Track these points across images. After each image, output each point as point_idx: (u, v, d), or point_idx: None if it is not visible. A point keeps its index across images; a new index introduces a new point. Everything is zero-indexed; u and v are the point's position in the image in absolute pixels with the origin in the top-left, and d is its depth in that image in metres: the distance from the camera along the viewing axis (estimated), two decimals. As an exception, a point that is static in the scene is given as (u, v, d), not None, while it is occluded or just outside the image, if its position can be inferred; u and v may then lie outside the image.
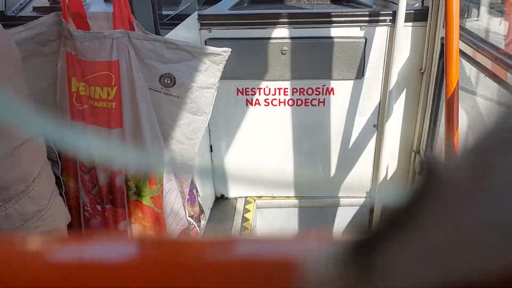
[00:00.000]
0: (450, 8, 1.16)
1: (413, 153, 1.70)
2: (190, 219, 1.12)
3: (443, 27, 1.27)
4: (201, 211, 1.19)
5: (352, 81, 1.61)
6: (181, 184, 1.01)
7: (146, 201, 0.97)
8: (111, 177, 0.96)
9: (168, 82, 0.87)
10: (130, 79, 0.85)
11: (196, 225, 1.13)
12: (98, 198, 0.99)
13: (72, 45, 0.84)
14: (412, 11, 1.52)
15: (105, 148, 0.96)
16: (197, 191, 1.14)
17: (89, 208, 1.02)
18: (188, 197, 1.08)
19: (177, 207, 1.02)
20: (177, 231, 1.07)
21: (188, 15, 1.42)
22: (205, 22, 1.52)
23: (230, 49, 0.89)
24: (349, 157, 1.76)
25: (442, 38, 1.42)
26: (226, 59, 0.88)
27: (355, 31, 1.54)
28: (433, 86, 1.53)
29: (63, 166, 0.99)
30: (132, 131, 0.89)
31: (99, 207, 1.01)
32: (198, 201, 1.16)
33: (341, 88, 1.63)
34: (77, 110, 0.89)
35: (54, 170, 0.78)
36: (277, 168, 1.79)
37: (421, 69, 1.57)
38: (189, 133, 0.92)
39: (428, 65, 1.54)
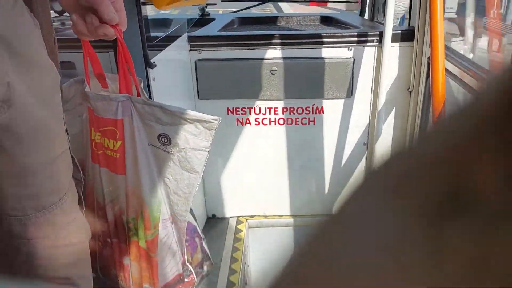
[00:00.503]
0: (435, 28, 1.18)
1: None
2: (188, 265, 1.17)
3: (429, 46, 1.30)
4: (206, 258, 1.25)
5: (341, 100, 1.63)
6: (178, 231, 1.08)
7: (142, 243, 1.06)
8: (116, 216, 1.07)
9: (165, 141, 0.97)
10: (132, 135, 0.97)
11: (193, 272, 1.18)
12: (108, 232, 1.10)
13: (90, 102, 1.00)
14: (399, 32, 1.55)
15: (112, 189, 1.03)
16: (201, 239, 1.20)
17: (102, 240, 1.12)
18: (188, 244, 1.14)
19: (171, 253, 1.09)
20: (170, 276, 1.12)
21: (178, 37, 1.44)
22: (195, 43, 1.54)
23: (221, 118, 0.98)
24: (340, 175, 1.76)
25: (428, 57, 1.44)
26: (216, 126, 0.97)
27: (343, 51, 1.56)
28: (421, 104, 1.54)
29: (86, 199, 1.10)
30: (133, 178, 1.00)
31: (109, 240, 1.11)
32: (203, 249, 1.21)
33: (331, 107, 1.64)
34: (96, 154, 1.04)
35: (78, 189, 0.83)
36: (268, 187, 1.78)
37: (408, 88, 1.59)
38: (183, 187, 1.02)
39: (415, 84, 1.56)
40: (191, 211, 1.12)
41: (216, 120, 0.96)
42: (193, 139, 0.97)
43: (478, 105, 0.11)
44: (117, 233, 1.08)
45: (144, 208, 1.02)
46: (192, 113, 0.95)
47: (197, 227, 1.19)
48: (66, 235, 0.77)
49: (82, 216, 0.83)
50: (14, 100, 0.63)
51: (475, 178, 0.10)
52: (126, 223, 1.05)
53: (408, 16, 1.68)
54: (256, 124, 1.67)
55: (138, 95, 0.98)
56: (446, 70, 1.24)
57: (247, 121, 1.67)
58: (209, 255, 1.25)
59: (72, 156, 0.80)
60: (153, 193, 1.01)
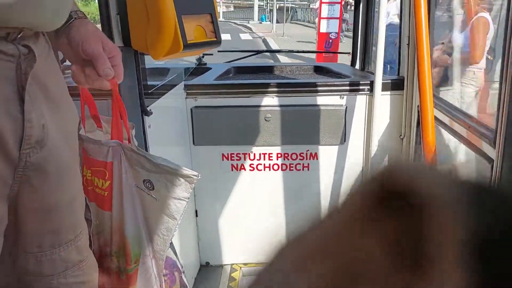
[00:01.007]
0: (423, 77, 1.23)
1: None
2: None
3: (418, 95, 1.34)
4: None
5: (335, 146, 1.65)
6: (157, 267, 1.14)
7: (123, 276, 1.10)
8: (101, 247, 1.11)
9: (149, 186, 1.03)
10: (120, 177, 1.04)
11: None
12: (100, 260, 1.12)
13: (83, 143, 1.06)
14: (389, 81, 1.60)
15: (99, 223, 1.06)
16: (180, 273, 1.25)
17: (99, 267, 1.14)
18: (167, 277, 1.19)
19: (150, 286, 1.14)
20: None
21: (174, 85, 1.48)
22: (191, 91, 1.58)
23: (200, 174, 1.04)
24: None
25: (418, 106, 1.48)
26: (196, 181, 1.04)
27: (336, 99, 1.61)
28: (413, 151, 1.57)
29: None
30: (118, 216, 1.06)
31: (103, 268, 1.13)
32: (182, 281, 1.25)
33: (325, 153, 1.66)
34: (86, 189, 1.07)
35: (88, 229, 0.86)
36: (263, 234, 1.76)
37: (400, 135, 1.62)
38: (163, 230, 1.07)
39: (407, 131, 1.60)
40: (171, 245, 1.16)
41: (195, 176, 1.03)
42: (174, 189, 1.03)
43: (354, 199, 0.15)
44: (101, 263, 1.12)
45: (126, 244, 1.07)
46: (173, 166, 1.02)
47: (177, 261, 1.23)
48: (78, 273, 0.79)
49: (93, 255, 0.86)
50: (46, 141, 0.67)
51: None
52: (110, 255, 1.10)
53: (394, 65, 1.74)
54: (250, 170, 1.68)
55: (129, 141, 1.04)
56: (436, 118, 1.27)
57: (242, 167, 1.68)
58: (187, 285, 1.28)
59: (84, 196, 0.83)
60: (136, 231, 1.06)
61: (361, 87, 1.61)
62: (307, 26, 19.76)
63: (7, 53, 0.62)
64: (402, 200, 0.13)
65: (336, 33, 5.90)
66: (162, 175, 1.02)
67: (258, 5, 29.72)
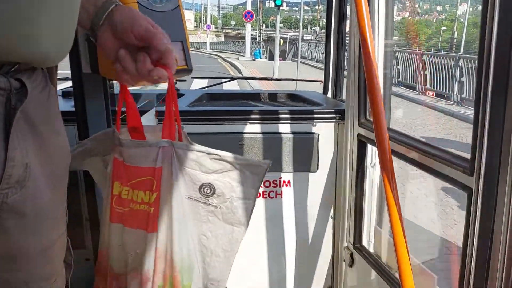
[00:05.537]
0: (377, 111, 1.17)
1: (371, 245, 1.69)
2: None
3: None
4: None
5: (307, 174, 1.66)
6: None
7: None
8: (140, 283, 0.91)
9: (208, 191, 0.88)
10: (169, 186, 0.87)
11: None
12: None
13: (120, 152, 0.89)
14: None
15: (139, 253, 0.89)
16: None
17: None
18: None
19: None
20: None
21: (146, 111, 1.46)
22: (163, 118, 1.56)
23: (271, 161, 0.92)
24: (309, 249, 1.73)
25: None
26: (265, 170, 0.90)
27: (308, 127, 1.62)
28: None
29: (98, 265, 0.98)
30: (165, 236, 0.88)
31: None
32: None
33: (298, 180, 1.66)
34: (116, 213, 0.91)
35: (66, 274, 0.76)
36: (233, 264, 1.72)
37: (371, 163, 1.64)
38: (225, 244, 0.92)
39: (377, 159, 1.62)
40: None
41: (265, 164, 0.89)
42: (239, 188, 0.88)
43: None
44: None
45: (174, 273, 0.89)
46: (240, 157, 0.88)
47: None
48: None
49: None
50: (27, 182, 0.60)
51: None
52: None
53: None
54: (223, 198, 1.66)
55: (181, 140, 0.91)
56: (393, 151, 1.20)
57: (214, 195, 1.65)
58: None
59: (67, 239, 0.74)
60: (186, 255, 0.89)
61: (332, 115, 1.63)
62: (314, 66, 15.34)
63: None
64: None
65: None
66: (225, 173, 0.88)
67: (251, 36, 24.30)
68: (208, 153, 0.87)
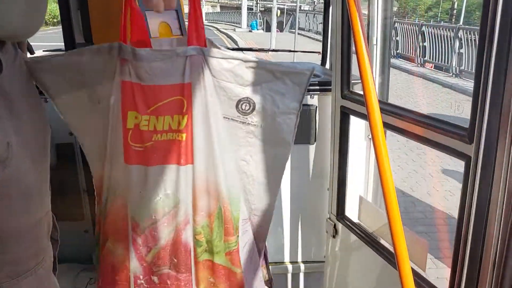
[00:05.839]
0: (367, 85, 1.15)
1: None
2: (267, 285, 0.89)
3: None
4: (271, 279, 0.94)
5: (305, 146, 1.66)
6: (258, 236, 0.80)
7: (221, 259, 0.77)
8: (176, 232, 0.76)
9: (247, 108, 0.75)
10: (203, 104, 0.72)
11: None
12: (155, 265, 0.79)
13: (134, 70, 0.70)
14: (358, 81, 1.61)
15: (171, 193, 0.69)
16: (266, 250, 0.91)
17: (142, 281, 0.80)
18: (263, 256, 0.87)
19: (255, 267, 0.79)
20: None
21: None
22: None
23: (314, 68, 0.80)
24: (305, 221, 1.75)
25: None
26: (308, 79, 0.77)
27: (305, 99, 1.61)
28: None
29: (107, 229, 0.83)
30: (204, 166, 0.74)
31: (155, 279, 0.79)
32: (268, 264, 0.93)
33: (296, 152, 1.66)
34: (134, 152, 0.74)
35: (53, 250, 0.75)
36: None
37: (369, 135, 1.63)
38: (269, 168, 0.79)
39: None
40: None
41: (309, 71, 0.76)
42: (281, 101, 0.75)
43: None
44: (176, 260, 0.75)
45: (224, 206, 0.75)
46: (279, 64, 0.75)
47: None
48: None
49: (55, 282, 0.76)
50: (11, 161, 0.59)
51: None
52: (193, 236, 0.76)
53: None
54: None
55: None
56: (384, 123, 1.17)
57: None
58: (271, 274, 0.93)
59: (52, 215, 0.74)
60: (231, 182, 0.76)
61: (330, 87, 1.61)
62: (312, 38, 14.65)
63: None
64: None
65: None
66: (264, 84, 0.75)
67: (248, 6, 22.93)
68: (246, 61, 0.73)
